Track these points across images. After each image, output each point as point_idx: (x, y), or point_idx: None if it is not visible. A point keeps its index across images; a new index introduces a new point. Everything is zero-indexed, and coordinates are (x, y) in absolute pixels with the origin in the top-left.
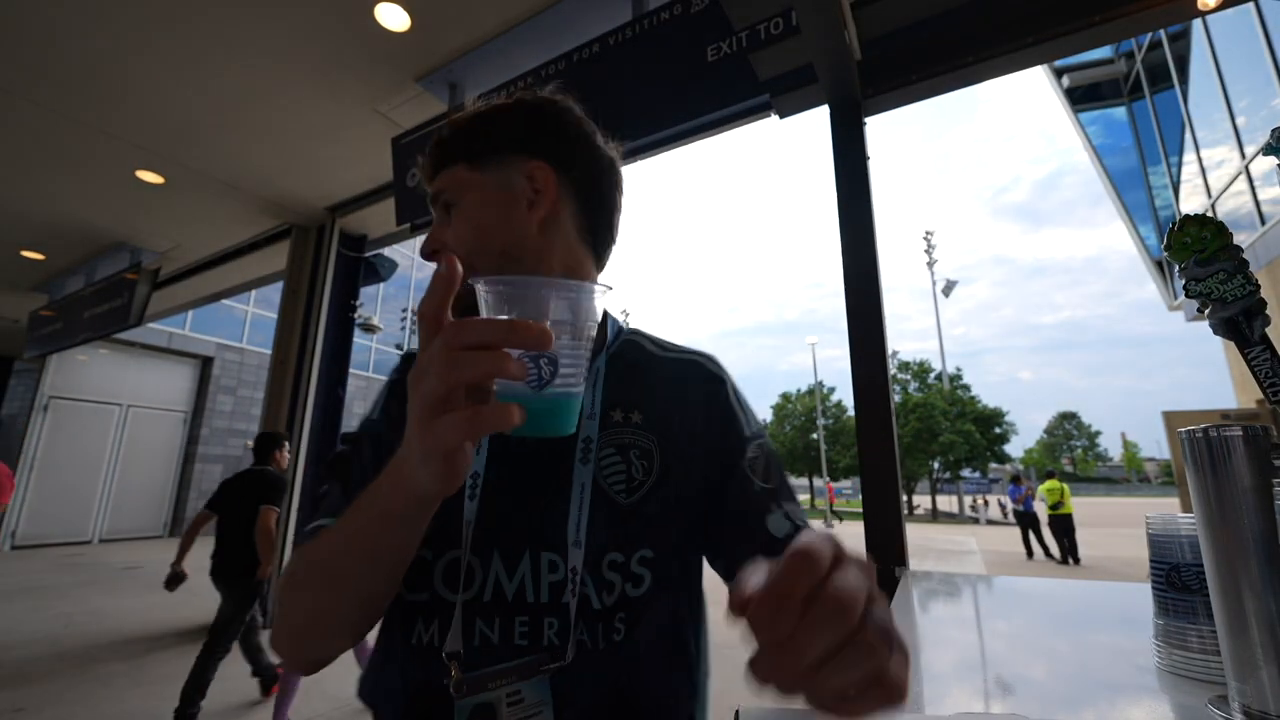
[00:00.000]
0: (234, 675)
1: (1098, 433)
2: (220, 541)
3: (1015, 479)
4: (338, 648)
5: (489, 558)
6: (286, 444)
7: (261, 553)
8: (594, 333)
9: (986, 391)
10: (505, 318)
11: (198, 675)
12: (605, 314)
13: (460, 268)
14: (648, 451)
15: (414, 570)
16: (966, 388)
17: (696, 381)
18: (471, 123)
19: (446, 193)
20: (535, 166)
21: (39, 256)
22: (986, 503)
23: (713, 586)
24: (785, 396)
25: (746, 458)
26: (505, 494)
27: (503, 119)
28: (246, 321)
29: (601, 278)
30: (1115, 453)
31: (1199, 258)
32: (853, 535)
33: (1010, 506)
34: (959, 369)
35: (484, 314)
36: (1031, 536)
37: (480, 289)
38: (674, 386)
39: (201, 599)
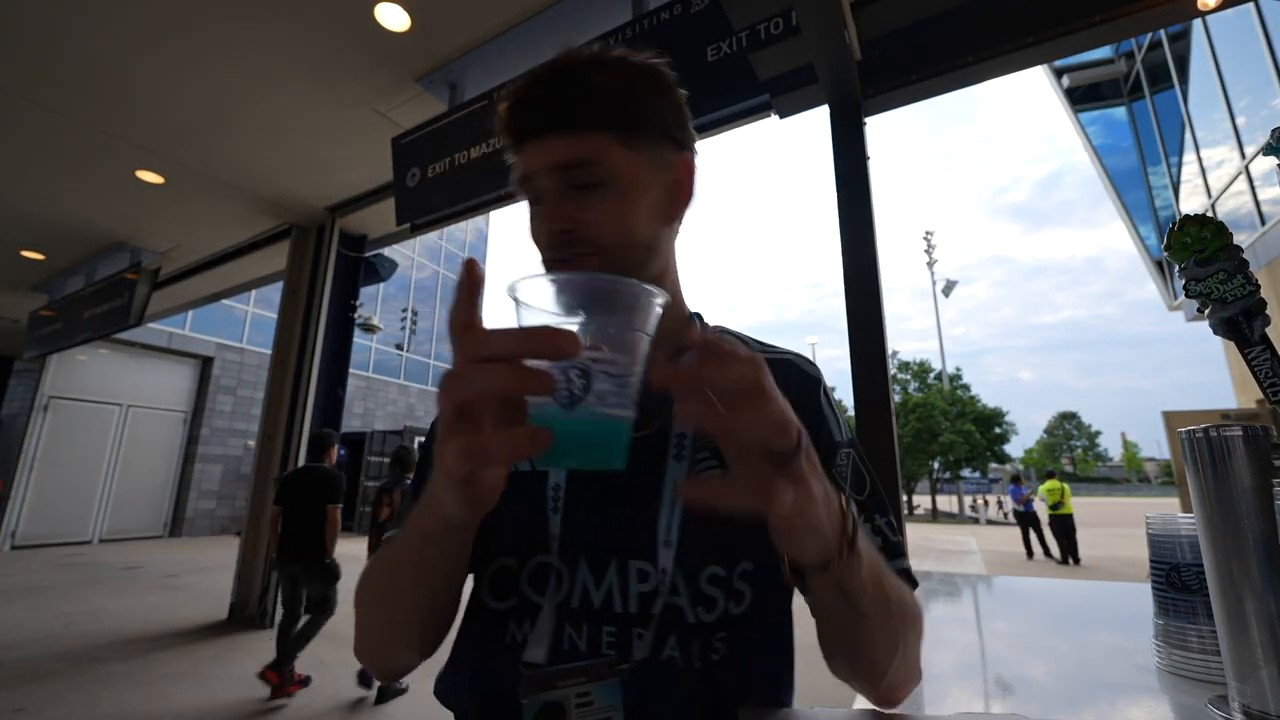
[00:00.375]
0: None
1: (1098, 433)
2: (287, 531)
3: (1016, 479)
4: (407, 660)
5: (575, 565)
6: (336, 442)
7: (329, 542)
8: (645, 347)
9: (986, 391)
10: (522, 326)
11: (301, 634)
12: (693, 315)
13: (482, 271)
14: None
15: (500, 580)
16: (966, 388)
17: (792, 382)
18: (618, 86)
19: (594, 164)
20: (684, 159)
21: (39, 256)
22: (986, 503)
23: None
24: None
25: (835, 465)
26: (590, 505)
27: (650, 91)
28: (246, 321)
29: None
30: (1115, 453)
31: (1199, 258)
32: None
33: (1011, 507)
34: (959, 369)
35: (515, 320)
36: (1032, 536)
37: (513, 291)
38: None
39: (201, 599)
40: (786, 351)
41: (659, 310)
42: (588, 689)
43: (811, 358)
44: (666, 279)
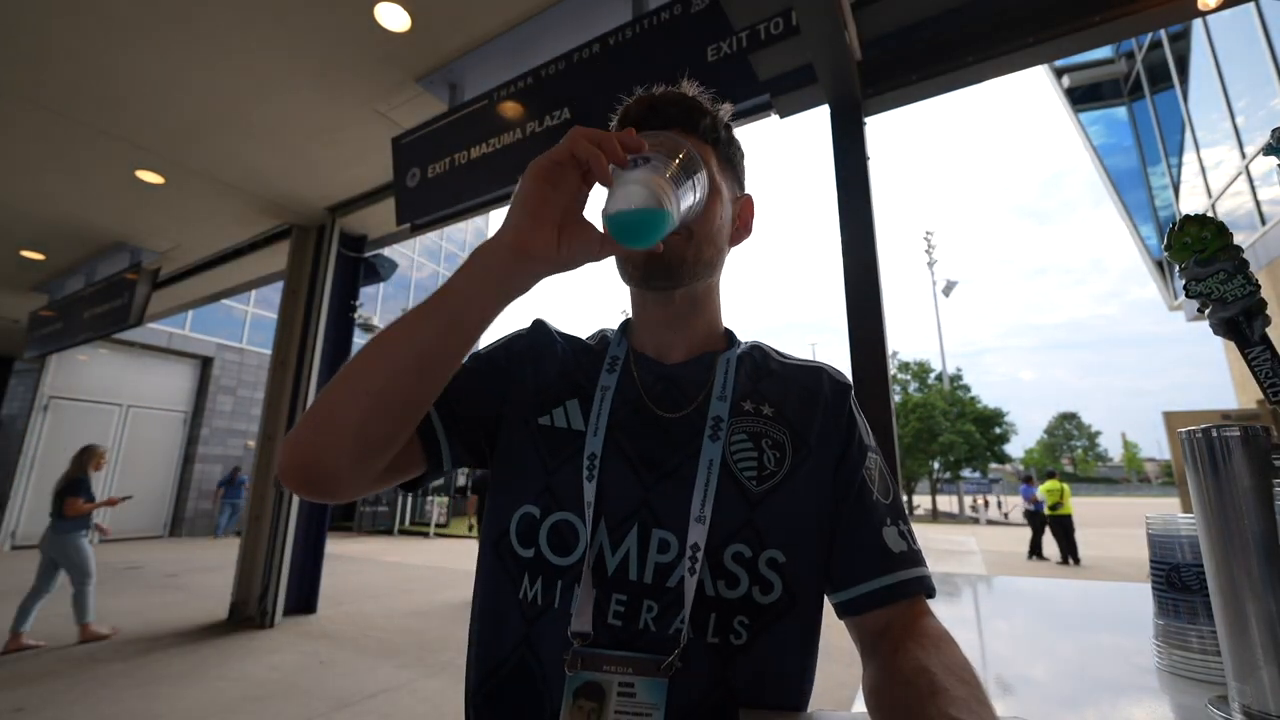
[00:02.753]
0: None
1: (1098, 433)
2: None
3: (1028, 479)
4: (335, 452)
5: (595, 527)
6: None
7: None
8: (686, 175)
9: (987, 391)
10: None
11: None
12: (726, 330)
13: (609, 158)
14: (780, 443)
15: (525, 528)
16: (966, 388)
17: (825, 386)
18: (723, 121)
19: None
20: (749, 199)
21: (39, 256)
22: (987, 503)
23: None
24: None
25: (865, 466)
26: (623, 471)
27: (738, 141)
28: (246, 321)
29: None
30: (1115, 453)
31: (1199, 258)
32: None
33: (1022, 506)
34: (959, 369)
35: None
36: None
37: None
38: (803, 389)
39: (201, 599)
40: (816, 362)
41: (689, 150)
42: (633, 680)
43: (813, 358)
44: (714, 295)
